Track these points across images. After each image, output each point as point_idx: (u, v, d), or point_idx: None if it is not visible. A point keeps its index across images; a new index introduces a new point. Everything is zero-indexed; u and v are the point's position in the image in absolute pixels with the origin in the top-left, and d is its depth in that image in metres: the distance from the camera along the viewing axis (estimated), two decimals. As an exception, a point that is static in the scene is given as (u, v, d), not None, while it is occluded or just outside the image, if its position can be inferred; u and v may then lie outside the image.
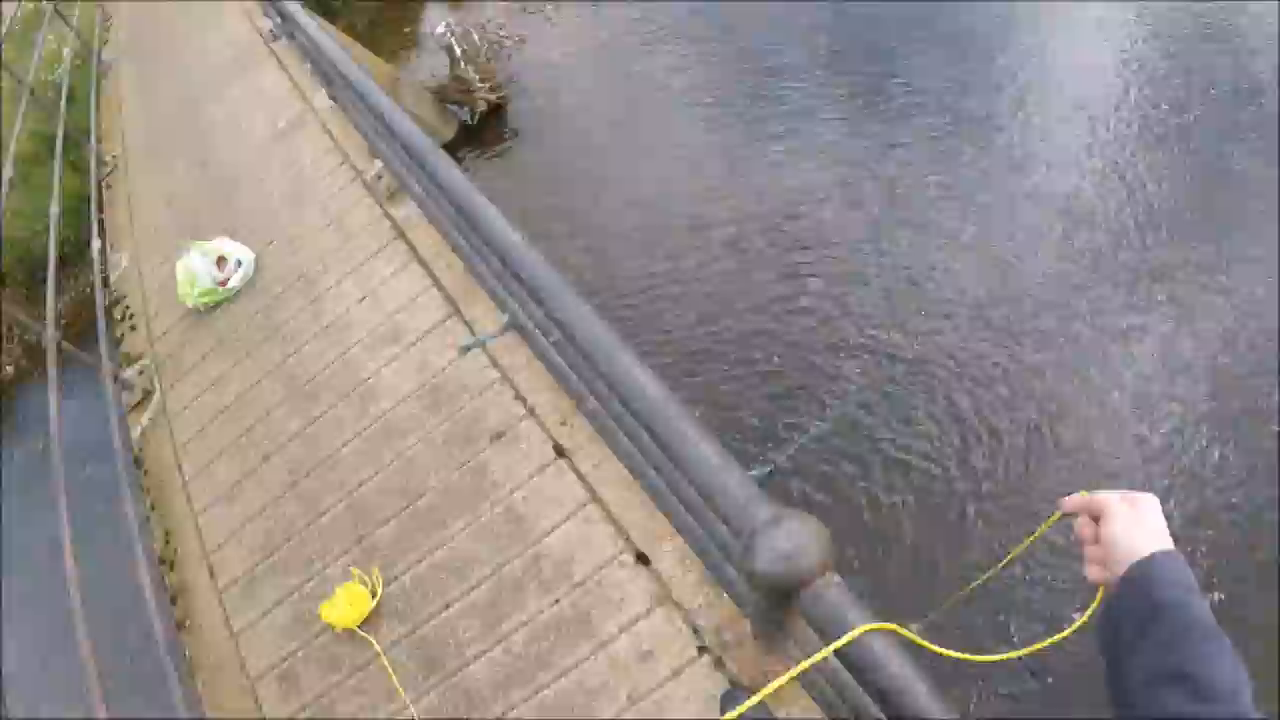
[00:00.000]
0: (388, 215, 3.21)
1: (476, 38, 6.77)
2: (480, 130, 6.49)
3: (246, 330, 3.18)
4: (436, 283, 2.87)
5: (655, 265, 5.28)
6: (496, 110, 6.67)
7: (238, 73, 4.70)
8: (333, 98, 3.91)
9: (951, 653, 1.09)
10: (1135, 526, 0.90)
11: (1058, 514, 1.02)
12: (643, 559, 1.98)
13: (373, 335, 2.85)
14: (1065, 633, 1.02)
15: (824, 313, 4.87)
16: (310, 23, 3.86)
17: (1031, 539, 1.14)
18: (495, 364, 2.54)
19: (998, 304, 4.72)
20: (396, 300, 2.90)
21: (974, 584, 1.26)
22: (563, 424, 2.32)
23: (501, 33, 7.45)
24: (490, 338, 2.59)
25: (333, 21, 7.83)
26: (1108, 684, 0.83)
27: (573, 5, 7.66)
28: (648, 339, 4.83)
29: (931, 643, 1.12)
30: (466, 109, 6.65)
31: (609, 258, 5.40)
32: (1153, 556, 0.86)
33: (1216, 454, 4.04)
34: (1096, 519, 0.95)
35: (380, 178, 3.32)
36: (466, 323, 2.69)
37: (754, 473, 3.76)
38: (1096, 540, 0.94)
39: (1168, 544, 0.89)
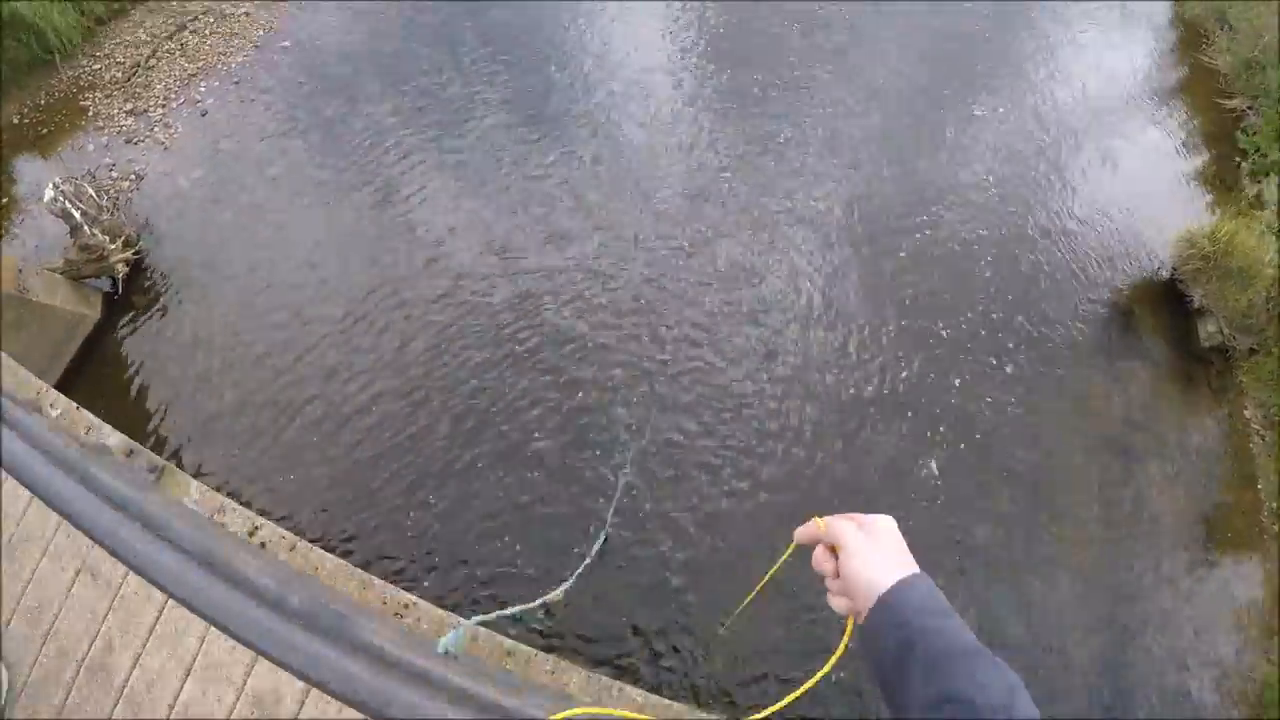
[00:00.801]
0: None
1: (93, 192, 6.31)
2: (127, 296, 6.12)
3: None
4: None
5: (355, 370, 5.47)
6: (137, 266, 6.30)
7: None
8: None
9: None
10: (874, 555, 0.90)
11: (792, 545, 0.98)
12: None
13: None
14: (820, 674, 0.98)
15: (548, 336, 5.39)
16: None
17: (770, 573, 1.11)
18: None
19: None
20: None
21: (726, 623, 1.26)
22: None
23: (114, 174, 6.96)
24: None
25: (-90, 218, 6.90)
26: (887, 705, 0.85)
27: (180, 120, 7.27)
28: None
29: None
30: (105, 277, 6.23)
31: (314, 378, 5.49)
32: (896, 587, 0.87)
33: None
34: (833, 549, 0.94)
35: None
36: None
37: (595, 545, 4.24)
38: (837, 574, 0.93)
39: (909, 566, 0.90)
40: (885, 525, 0.94)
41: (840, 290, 5.88)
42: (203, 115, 7.29)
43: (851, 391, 5.37)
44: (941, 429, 5.23)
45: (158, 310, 6.12)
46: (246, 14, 8.20)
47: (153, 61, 7.90)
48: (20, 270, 5.90)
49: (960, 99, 7.44)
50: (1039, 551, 4.87)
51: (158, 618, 2.51)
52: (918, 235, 6.26)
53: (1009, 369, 5.59)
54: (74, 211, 6.08)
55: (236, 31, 8.02)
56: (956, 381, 5.48)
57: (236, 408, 5.46)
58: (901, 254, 6.13)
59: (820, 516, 0.96)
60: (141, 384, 5.72)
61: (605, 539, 4.51)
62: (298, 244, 6.26)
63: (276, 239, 6.32)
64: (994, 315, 5.87)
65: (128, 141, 7.22)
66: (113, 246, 6.15)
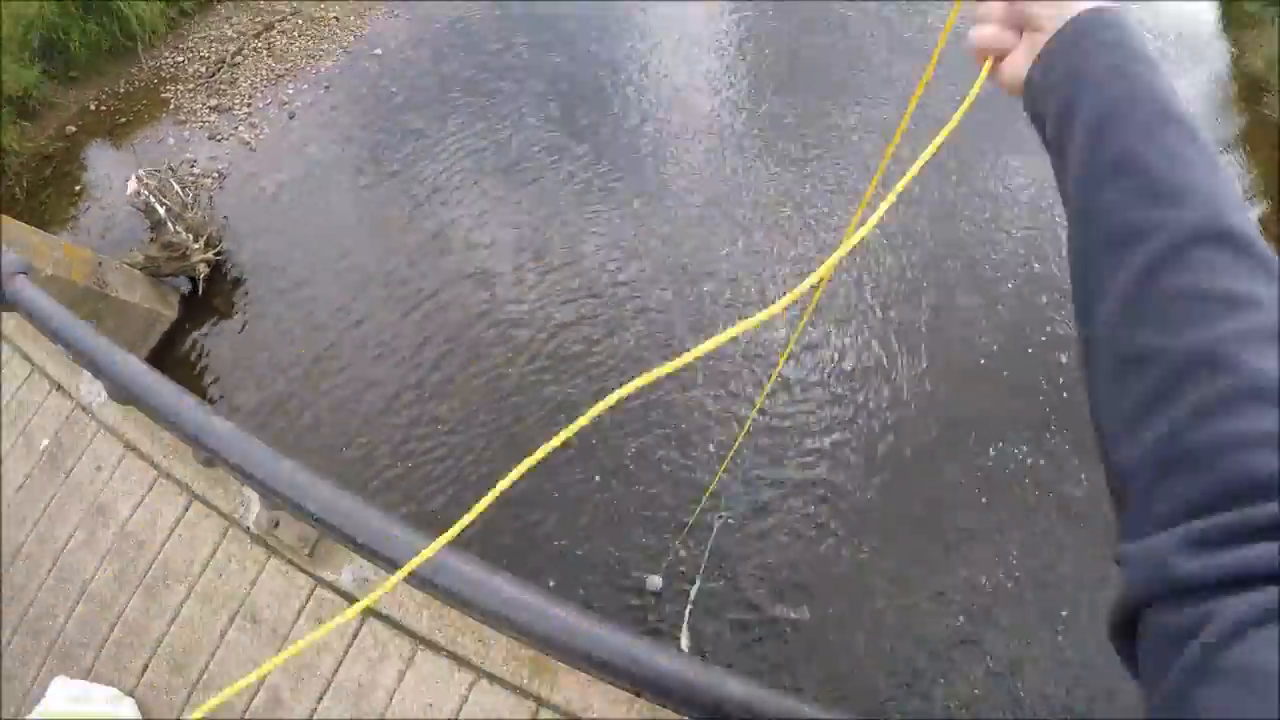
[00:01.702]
0: (313, 576, 2.32)
1: (178, 188, 6.08)
2: (207, 298, 5.86)
3: None
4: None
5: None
6: (217, 268, 6.06)
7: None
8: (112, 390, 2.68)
9: None
10: None
11: None
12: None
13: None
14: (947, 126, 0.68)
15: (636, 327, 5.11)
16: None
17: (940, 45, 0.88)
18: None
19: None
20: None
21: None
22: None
23: (195, 170, 6.74)
24: None
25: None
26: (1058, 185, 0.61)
27: (267, 121, 7.08)
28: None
29: None
30: (184, 277, 5.99)
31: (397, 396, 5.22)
32: (1088, 12, 0.61)
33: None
34: None
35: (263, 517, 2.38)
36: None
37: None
38: None
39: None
40: None
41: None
42: (290, 118, 7.10)
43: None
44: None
45: (237, 315, 5.86)
46: (336, 18, 8.05)
47: (238, 59, 7.73)
48: (100, 264, 5.67)
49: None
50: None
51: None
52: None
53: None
54: (158, 207, 5.85)
55: (325, 35, 7.86)
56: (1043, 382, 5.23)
57: (314, 426, 5.18)
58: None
59: None
60: (218, 391, 5.45)
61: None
62: (388, 258, 6.01)
63: (366, 252, 6.07)
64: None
65: (210, 138, 7.01)
66: (195, 245, 5.92)
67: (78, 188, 6.92)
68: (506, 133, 6.85)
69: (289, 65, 7.59)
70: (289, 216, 6.38)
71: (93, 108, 7.58)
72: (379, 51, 7.62)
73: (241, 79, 7.51)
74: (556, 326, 5.51)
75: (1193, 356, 0.44)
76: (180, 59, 7.87)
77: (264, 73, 7.53)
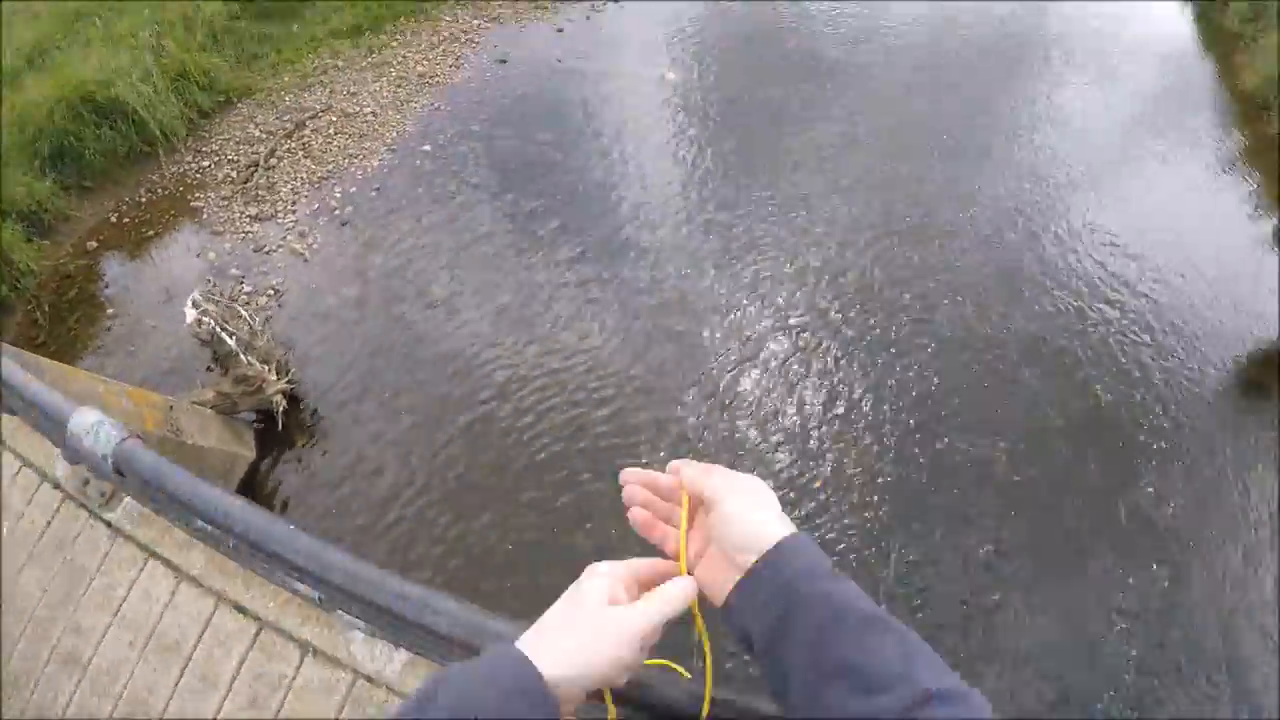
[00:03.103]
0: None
1: (246, 315, 5.55)
2: (287, 433, 5.29)
3: None
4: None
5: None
6: (291, 397, 5.51)
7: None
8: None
9: None
10: (758, 507, 0.78)
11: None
12: None
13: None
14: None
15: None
16: None
17: None
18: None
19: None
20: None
21: None
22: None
23: (247, 288, 6.20)
24: None
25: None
26: (767, 681, 0.73)
27: (318, 230, 6.60)
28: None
29: None
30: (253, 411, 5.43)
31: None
32: (784, 542, 0.74)
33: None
34: (691, 504, 0.83)
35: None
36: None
37: None
38: (691, 525, 0.82)
39: (790, 527, 0.77)
40: (760, 483, 0.82)
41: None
42: (343, 225, 6.64)
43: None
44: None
45: (316, 449, 5.31)
46: (373, 114, 7.68)
47: (273, 161, 7.26)
48: (171, 408, 5.08)
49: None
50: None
51: None
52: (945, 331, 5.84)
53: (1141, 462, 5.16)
54: (227, 338, 5.32)
55: (365, 133, 7.47)
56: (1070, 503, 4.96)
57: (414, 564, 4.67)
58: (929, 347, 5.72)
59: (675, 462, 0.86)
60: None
61: None
62: (480, 378, 5.57)
63: (454, 373, 5.63)
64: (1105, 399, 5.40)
65: (257, 250, 6.49)
66: (270, 376, 5.38)
67: (110, 311, 6.30)
68: (583, 233, 6.53)
69: (331, 166, 7.16)
70: (358, 332, 5.90)
71: (114, 220, 6.98)
72: (428, 148, 7.27)
73: (280, 183, 7.03)
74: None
75: None
76: (205, 163, 7.36)
77: (304, 176, 7.08)
